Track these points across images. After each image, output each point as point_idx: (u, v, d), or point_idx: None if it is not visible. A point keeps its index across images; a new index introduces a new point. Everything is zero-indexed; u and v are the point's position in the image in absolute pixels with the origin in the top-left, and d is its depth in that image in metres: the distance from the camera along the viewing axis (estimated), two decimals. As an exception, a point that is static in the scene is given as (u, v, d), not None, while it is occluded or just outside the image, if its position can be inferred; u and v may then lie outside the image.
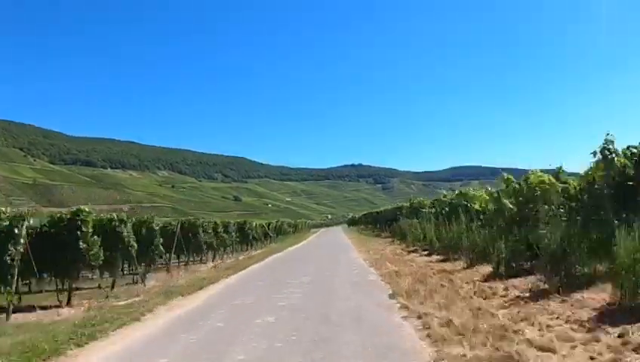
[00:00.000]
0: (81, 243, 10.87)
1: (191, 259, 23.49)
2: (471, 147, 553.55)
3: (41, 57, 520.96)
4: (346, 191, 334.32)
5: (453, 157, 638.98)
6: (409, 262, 13.32)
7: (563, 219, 9.06)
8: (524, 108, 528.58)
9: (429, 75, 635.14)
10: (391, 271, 11.45)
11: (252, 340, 5.93)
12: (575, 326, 5.33)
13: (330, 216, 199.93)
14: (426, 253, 16.79)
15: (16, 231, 9.37)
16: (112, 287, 13.43)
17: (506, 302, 7.08)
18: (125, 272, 16.96)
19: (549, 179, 10.29)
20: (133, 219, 16.19)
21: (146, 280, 15.16)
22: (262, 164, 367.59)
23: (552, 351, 4.51)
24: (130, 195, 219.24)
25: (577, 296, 6.79)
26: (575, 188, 9.51)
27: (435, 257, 14.78)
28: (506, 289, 8.03)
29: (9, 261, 9.14)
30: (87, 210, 11.68)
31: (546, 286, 7.71)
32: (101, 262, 11.73)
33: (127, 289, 13.22)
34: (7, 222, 9.45)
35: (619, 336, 4.81)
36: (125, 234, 13.94)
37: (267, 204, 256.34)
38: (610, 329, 5.05)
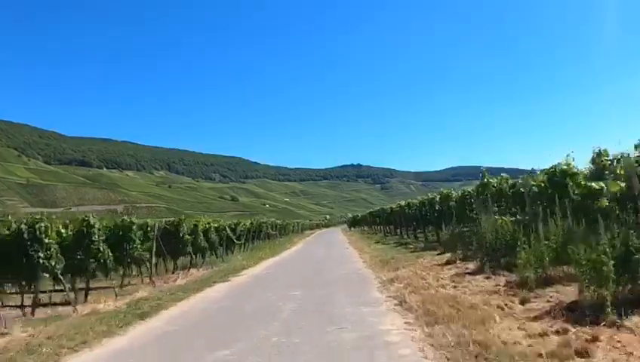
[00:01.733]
0: None
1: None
2: (470, 147, 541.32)
3: (39, 59, 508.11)
4: (345, 192, 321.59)
5: (453, 158, 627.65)
6: None
7: None
8: (524, 109, 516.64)
9: (428, 75, 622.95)
10: None
11: None
12: None
13: (328, 217, 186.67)
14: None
15: None
16: None
17: None
18: None
19: None
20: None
21: None
22: (260, 164, 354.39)
23: None
24: (125, 195, 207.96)
25: None
26: None
27: None
28: None
29: None
30: None
31: None
32: None
33: None
34: None
35: None
36: None
37: (264, 205, 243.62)
38: None
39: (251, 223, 28.70)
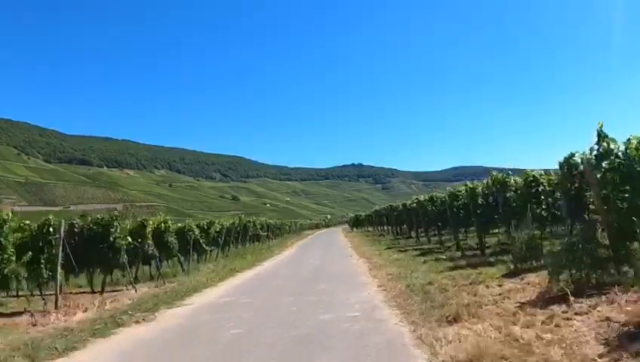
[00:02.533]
0: None
1: None
2: (471, 147, 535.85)
3: (39, 59, 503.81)
4: (346, 191, 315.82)
5: (454, 158, 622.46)
6: None
7: None
8: (525, 109, 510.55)
9: (428, 75, 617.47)
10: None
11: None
12: None
13: (329, 217, 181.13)
14: None
15: None
16: None
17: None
18: None
19: None
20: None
21: None
22: (261, 163, 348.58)
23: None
24: (125, 194, 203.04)
25: None
26: None
27: None
28: None
29: None
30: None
31: None
32: None
33: None
34: None
35: None
36: None
37: (265, 204, 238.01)
38: None
39: (232, 223, 23.09)
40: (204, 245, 17.55)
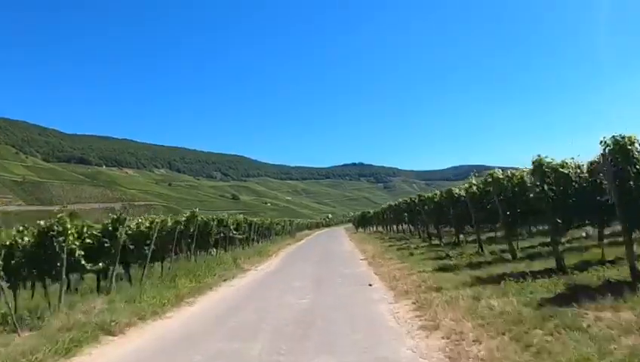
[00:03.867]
0: None
1: None
2: (471, 147, 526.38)
3: (39, 59, 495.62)
4: (347, 191, 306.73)
5: (455, 157, 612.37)
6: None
7: None
8: (525, 109, 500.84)
9: (428, 75, 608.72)
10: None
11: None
12: None
13: (330, 216, 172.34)
14: None
15: None
16: None
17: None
18: None
19: None
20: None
21: None
22: (262, 162, 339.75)
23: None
24: (124, 193, 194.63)
25: None
26: None
27: None
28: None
29: None
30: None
31: None
32: None
33: None
34: None
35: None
36: None
37: (266, 203, 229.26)
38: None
39: (176, 221, 14.29)
40: (82, 261, 8.75)
